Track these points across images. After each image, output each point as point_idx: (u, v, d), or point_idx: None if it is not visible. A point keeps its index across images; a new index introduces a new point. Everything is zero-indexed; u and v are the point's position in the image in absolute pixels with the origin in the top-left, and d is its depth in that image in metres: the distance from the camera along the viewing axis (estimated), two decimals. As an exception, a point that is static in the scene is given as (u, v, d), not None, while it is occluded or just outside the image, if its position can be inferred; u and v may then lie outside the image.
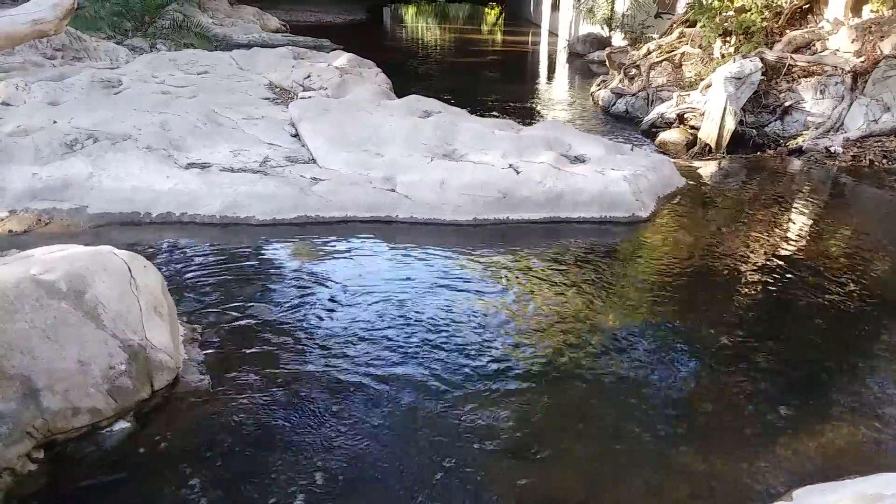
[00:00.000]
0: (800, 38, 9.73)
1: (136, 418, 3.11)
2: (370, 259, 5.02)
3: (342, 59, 10.74)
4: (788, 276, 4.95)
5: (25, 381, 2.83)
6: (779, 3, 10.17)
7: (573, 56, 18.65)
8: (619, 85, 11.21)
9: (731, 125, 8.41)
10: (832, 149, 8.20)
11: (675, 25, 12.03)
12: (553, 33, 24.55)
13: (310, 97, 8.45)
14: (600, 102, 11.48)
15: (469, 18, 34.16)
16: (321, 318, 4.10)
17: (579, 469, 2.96)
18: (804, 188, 7.28)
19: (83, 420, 2.95)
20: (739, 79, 8.57)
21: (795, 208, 6.57)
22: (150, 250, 4.93)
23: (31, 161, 5.71)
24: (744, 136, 8.89)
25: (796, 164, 8.13)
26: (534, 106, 12.22)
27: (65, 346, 2.97)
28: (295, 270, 4.79)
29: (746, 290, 4.75)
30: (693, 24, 11.30)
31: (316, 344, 3.82)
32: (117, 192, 5.56)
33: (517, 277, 4.82)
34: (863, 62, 8.81)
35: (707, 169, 7.94)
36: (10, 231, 5.12)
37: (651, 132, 9.42)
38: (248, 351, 3.72)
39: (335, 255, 5.03)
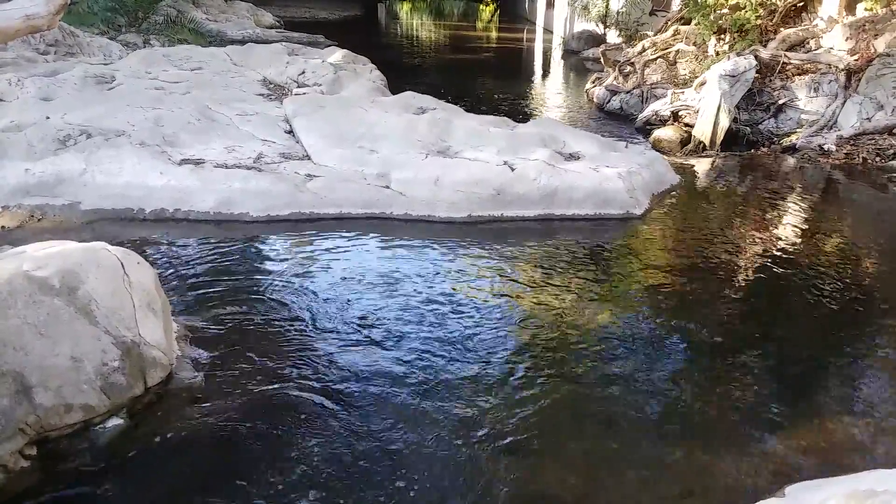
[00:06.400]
0: (794, 36, 9.75)
1: (130, 415, 3.10)
2: (364, 256, 5.02)
3: (337, 55, 10.72)
4: (782, 273, 4.96)
5: (18, 378, 2.81)
6: (773, 0, 10.18)
7: (568, 53, 18.65)
8: (614, 82, 11.21)
9: (725, 123, 8.43)
10: (826, 147, 8.23)
11: (669, 23, 12.03)
12: (548, 30, 24.54)
13: (304, 93, 8.43)
14: (595, 100, 11.48)
15: (464, 15, 34.09)
16: (315, 315, 4.09)
17: (573, 465, 2.96)
18: (798, 186, 7.31)
19: (76, 417, 2.94)
20: (734, 76, 8.58)
21: (789, 206, 6.59)
22: (144, 247, 4.92)
23: (23, 157, 5.68)
24: (738, 133, 8.91)
25: (790, 161, 8.16)
26: (528, 103, 12.22)
27: (58, 343, 2.96)
28: (289, 267, 4.78)
29: (740, 287, 4.77)
30: (688, 22, 11.31)
31: (310, 341, 3.82)
32: (110, 188, 5.53)
33: (511, 274, 4.82)
34: (857, 60, 8.83)
35: (701, 166, 7.96)
36: (3, 227, 5.09)
37: (645, 129, 9.43)
38: (242, 348, 3.71)
39: (329, 252, 5.03)
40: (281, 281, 4.54)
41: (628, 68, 11.20)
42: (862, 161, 7.96)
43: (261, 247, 5.14)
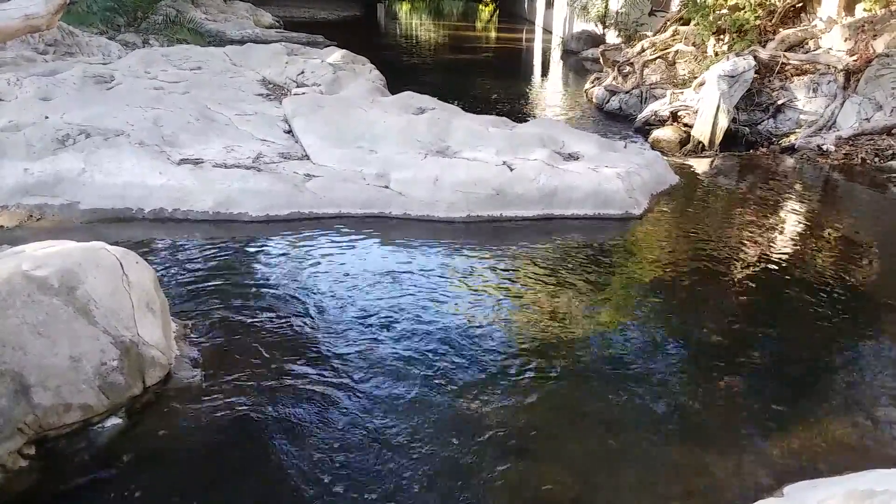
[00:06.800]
0: (793, 37, 9.75)
1: (128, 415, 3.10)
2: (364, 256, 5.01)
3: (336, 55, 10.72)
4: (781, 273, 4.97)
5: (17, 377, 2.81)
6: (772, 1, 10.19)
7: (567, 53, 18.65)
8: (613, 82, 11.22)
9: (724, 123, 8.44)
10: (824, 147, 8.23)
11: (668, 23, 12.03)
12: (547, 31, 24.55)
13: (303, 93, 8.42)
14: (594, 100, 11.48)
15: (463, 15, 34.11)
16: (314, 315, 4.09)
17: (573, 465, 2.96)
18: (796, 186, 7.31)
19: (75, 416, 2.94)
20: (733, 77, 8.59)
21: (788, 206, 6.59)
22: (143, 246, 4.91)
23: (22, 156, 5.67)
24: (737, 133, 8.92)
25: (789, 161, 8.16)
26: (528, 103, 12.22)
27: (56, 342, 2.96)
28: (288, 267, 4.77)
29: (739, 287, 4.77)
30: (687, 22, 11.32)
31: (308, 340, 3.82)
32: (109, 188, 5.53)
33: (510, 274, 4.82)
34: (855, 61, 8.84)
35: (700, 167, 7.96)
36: (2, 226, 5.09)
37: (644, 130, 9.43)
38: (241, 347, 3.70)
39: (328, 252, 5.02)
40: (280, 280, 4.54)
41: (627, 68, 11.21)
42: (861, 161, 7.96)
43: (260, 246, 5.13)
